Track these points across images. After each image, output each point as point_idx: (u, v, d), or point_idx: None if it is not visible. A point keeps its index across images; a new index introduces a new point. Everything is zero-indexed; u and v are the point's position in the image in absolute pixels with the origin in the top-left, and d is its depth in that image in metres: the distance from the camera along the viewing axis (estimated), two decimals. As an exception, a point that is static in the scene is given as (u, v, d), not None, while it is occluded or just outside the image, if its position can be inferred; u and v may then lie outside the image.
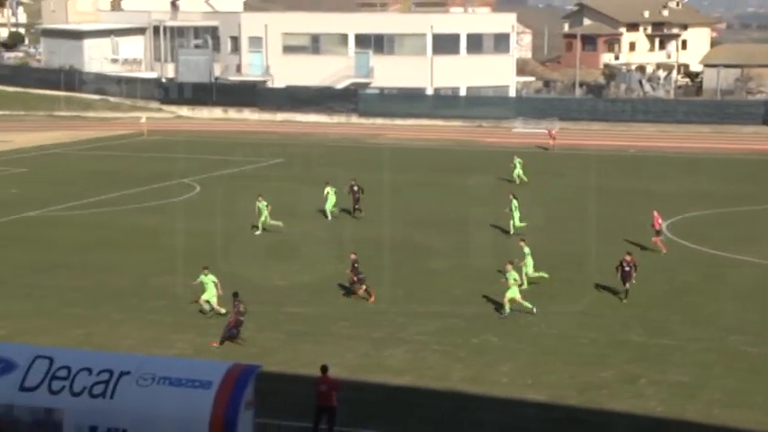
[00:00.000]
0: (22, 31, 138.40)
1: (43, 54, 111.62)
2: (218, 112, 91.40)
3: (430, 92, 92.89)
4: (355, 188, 46.20)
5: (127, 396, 18.00)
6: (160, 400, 17.92)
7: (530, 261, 34.23)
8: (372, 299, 32.61)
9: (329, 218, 45.49)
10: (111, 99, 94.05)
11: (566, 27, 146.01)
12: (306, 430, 22.10)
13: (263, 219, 42.36)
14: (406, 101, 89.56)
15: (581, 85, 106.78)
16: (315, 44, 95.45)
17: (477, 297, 33.43)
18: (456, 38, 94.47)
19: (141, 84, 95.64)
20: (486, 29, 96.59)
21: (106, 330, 29.58)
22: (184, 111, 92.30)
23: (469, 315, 31.48)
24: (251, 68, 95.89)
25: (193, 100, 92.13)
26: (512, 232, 41.76)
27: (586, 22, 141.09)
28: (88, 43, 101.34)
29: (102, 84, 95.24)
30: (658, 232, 39.88)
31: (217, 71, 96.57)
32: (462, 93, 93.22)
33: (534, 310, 31.12)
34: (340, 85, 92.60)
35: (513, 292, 30.97)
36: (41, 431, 18.04)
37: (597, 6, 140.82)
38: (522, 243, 34.93)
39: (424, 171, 61.34)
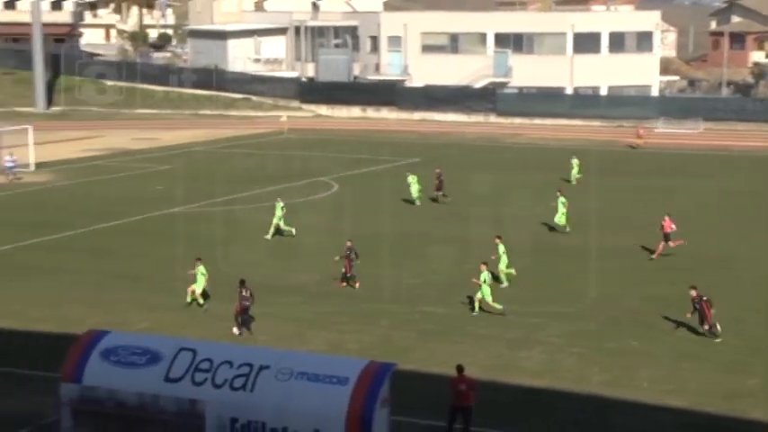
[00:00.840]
0: (170, 32, 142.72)
1: (189, 54, 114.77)
2: (356, 111, 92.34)
3: (569, 91, 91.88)
4: (440, 177, 49.69)
5: (266, 390, 18.38)
6: (298, 394, 18.25)
7: (504, 258, 34.08)
8: (357, 284, 34.01)
9: (417, 203, 48.65)
10: (254, 98, 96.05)
11: (713, 24, 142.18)
12: (440, 429, 22.19)
13: (276, 221, 41.59)
14: (545, 100, 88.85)
15: (728, 84, 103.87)
16: (453, 43, 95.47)
17: (613, 300, 32.98)
18: (597, 36, 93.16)
19: (282, 83, 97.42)
20: (629, 27, 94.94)
21: (246, 325, 30.23)
22: (323, 110, 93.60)
23: (605, 318, 31.06)
24: (390, 68, 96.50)
25: (333, 99, 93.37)
26: (567, 229, 42.02)
27: (735, 19, 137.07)
28: (232, 43, 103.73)
29: (245, 83, 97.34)
30: (667, 237, 37.92)
31: (356, 70, 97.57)
32: (603, 92, 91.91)
33: (504, 311, 30.74)
34: (478, 85, 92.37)
35: (485, 293, 30.72)
36: (185, 421, 18.59)
37: (747, 3, 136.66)
38: (497, 240, 34.51)
39: (561, 171, 60.69)
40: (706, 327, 28.47)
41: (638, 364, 27.07)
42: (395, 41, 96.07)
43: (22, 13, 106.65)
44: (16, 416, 23.13)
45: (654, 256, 37.84)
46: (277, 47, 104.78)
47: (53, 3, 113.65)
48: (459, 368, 22.38)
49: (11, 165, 56.78)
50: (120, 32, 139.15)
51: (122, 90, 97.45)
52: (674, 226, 37.90)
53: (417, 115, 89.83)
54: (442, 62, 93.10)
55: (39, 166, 60.53)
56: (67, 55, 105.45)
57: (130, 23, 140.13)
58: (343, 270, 34.25)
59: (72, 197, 52.21)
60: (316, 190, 53.84)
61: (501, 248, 34.15)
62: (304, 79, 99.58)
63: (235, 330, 29.13)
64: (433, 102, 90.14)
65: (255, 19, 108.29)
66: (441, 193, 49.73)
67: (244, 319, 29.31)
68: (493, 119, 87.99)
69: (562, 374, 26.38)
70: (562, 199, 42.29)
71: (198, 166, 63.02)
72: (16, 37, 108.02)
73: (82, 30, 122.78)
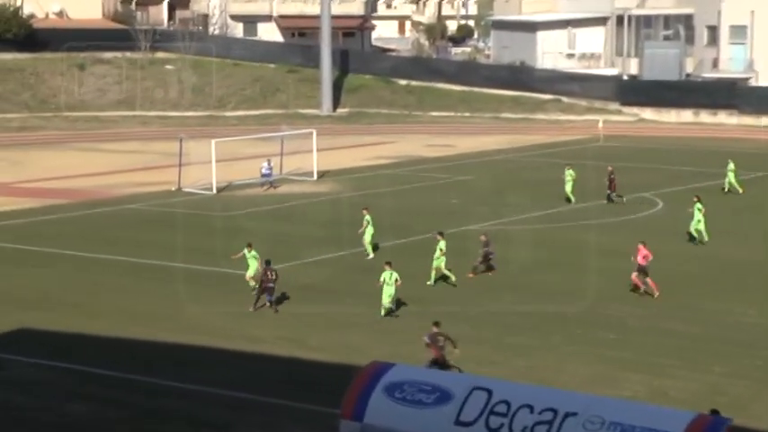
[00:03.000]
0: (471, 23, 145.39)
1: (492, 49, 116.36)
2: (687, 116, 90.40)
3: None
4: (612, 175, 54.44)
5: (571, 440, 18.16)
6: (610, 448, 17.90)
7: (442, 256, 37.94)
8: (472, 275, 38.76)
9: (572, 201, 54.09)
10: (564, 99, 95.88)
11: None
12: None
13: (367, 238, 42.75)
14: None
15: None
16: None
17: None
18: None
19: (599, 82, 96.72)
20: None
21: (550, 363, 30.13)
22: (647, 113, 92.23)
23: None
24: (730, 63, 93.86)
25: (659, 101, 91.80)
26: (706, 239, 43.71)
27: None
28: (542, 36, 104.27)
29: (555, 82, 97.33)
30: (641, 269, 36.02)
31: (689, 67, 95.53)
32: None
33: (382, 314, 34.16)
34: None
35: (386, 293, 34.23)
36: (476, 470, 18.67)
37: None
38: (438, 237, 38.42)
39: None
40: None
41: None
42: (738, 32, 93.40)
43: (309, 5, 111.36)
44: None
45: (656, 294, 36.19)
46: (594, 40, 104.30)
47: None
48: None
49: (267, 173, 59.22)
50: (416, 25, 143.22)
51: (415, 90, 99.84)
52: (641, 258, 36.54)
53: (765, 120, 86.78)
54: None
55: (321, 174, 63.00)
56: (357, 51, 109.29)
57: (427, 15, 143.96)
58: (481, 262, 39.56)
59: (355, 210, 53.80)
60: (637, 208, 53.03)
61: (441, 245, 38.00)
62: (625, 77, 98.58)
63: (267, 304, 34.81)
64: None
65: (570, 7, 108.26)
66: (614, 192, 54.21)
67: (259, 295, 34.73)
68: None
69: None
70: (698, 205, 44.19)
71: (498, 178, 63.58)
72: (302, 31, 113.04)
73: (374, 22, 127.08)
